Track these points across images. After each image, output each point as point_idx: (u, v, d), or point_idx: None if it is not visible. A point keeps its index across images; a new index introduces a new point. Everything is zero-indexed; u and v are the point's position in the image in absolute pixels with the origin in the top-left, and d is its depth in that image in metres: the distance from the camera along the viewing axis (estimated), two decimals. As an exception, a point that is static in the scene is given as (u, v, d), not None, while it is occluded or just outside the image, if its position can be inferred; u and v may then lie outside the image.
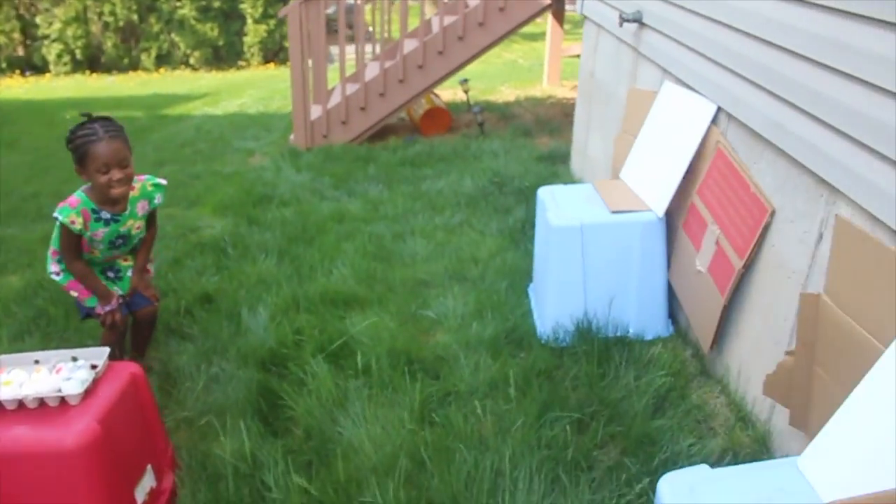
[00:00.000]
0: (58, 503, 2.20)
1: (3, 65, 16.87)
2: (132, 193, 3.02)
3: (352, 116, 7.08)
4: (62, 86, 14.96)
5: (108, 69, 16.73)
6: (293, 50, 6.89)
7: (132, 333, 3.37)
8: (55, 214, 2.90)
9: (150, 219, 3.19)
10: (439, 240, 4.52)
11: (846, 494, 1.34)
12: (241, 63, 16.55)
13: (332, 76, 7.80)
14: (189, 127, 8.99)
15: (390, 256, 4.33)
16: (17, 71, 16.83)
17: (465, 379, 3.08)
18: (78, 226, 2.90)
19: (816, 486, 1.80)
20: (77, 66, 16.68)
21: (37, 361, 2.46)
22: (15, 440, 2.19)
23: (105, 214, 2.97)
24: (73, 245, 2.98)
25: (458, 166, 6.03)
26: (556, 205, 3.53)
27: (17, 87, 14.91)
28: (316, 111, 7.15)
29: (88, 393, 2.31)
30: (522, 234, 4.45)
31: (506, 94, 9.47)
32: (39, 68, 16.89)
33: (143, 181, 3.07)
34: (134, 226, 3.08)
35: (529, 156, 6.20)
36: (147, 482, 2.48)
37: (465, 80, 8.15)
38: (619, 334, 3.36)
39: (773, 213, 2.72)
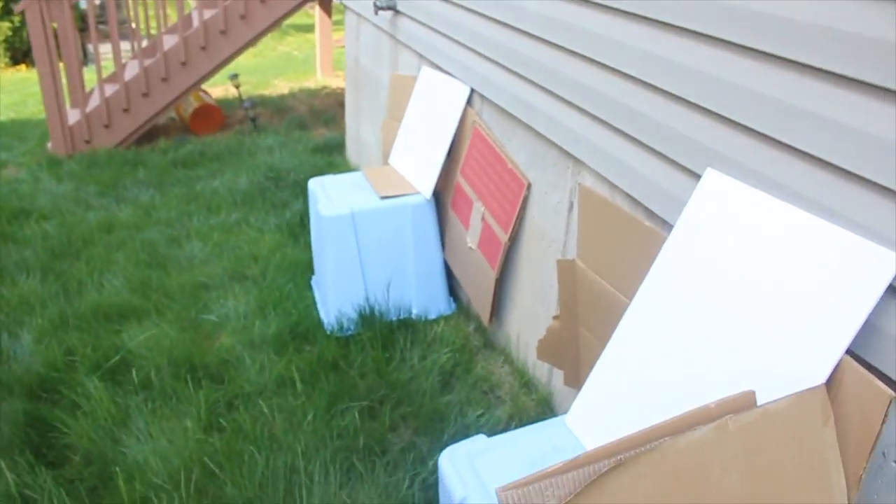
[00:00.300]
0: None
1: None
2: None
3: (115, 119, 6.70)
4: None
5: None
6: (37, 49, 6.38)
7: None
8: None
9: None
10: (217, 240, 4.42)
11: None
12: (-14, 67, 15.13)
13: (91, 77, 7.33)
14: (-75, 141, 8.12)
15: (166, 262, 4.17)
16: None
17: (251, 379, 3.06)
18: None
19: (584, 440, 1.96)
20: None
21: None
22: None
23: None
24: None
25: (232, 164, 5.90)
26: (326, 195, 3.56)
27: None
28: (74, 115, 6.70)
29: None
30: (301, 227, 4.45)
31: (280, 87, 9.35)
32: None
33: None
34: None
35: (305, 148, 6.19)
36: None
37: (236, 75, 7.96)
38: (402, 317, 3.46)
39: (529, 187, 2.90)
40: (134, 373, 3.07)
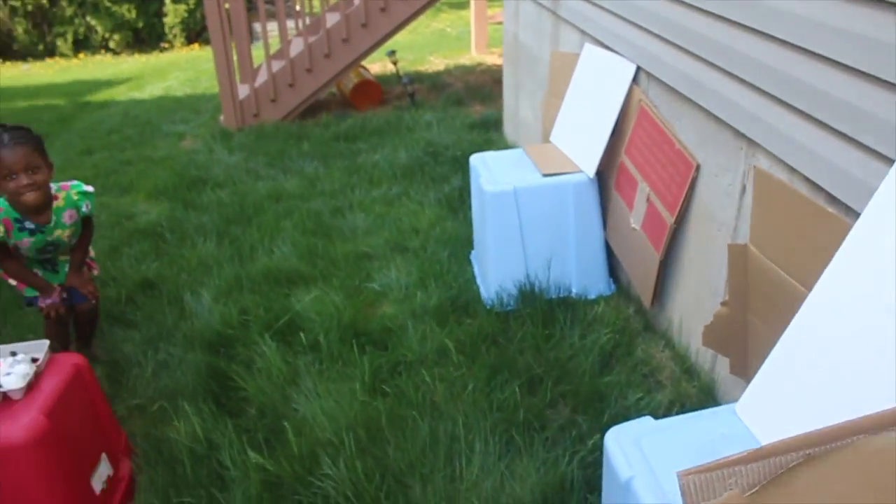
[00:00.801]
0: (12, 497, 2.21)
1: None
2: (56, 203, 2.95)
3: (281, 94, 7.02)
4: (-28, 76, 14.40)
5: (22, 56, 16.12)
6: (213, 29, 6.76)
7: (75, 326, 3.33)
8: None
9: (85, 223, 3.13)
10: (378, 212, 4.55)
11: (781, 436, 1.43)
12: (163, 45, 16.12)
13: (258, 54, 7.69)
14: (115, 113, 8.78)
15: (330, 232, 4.35)
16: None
17: (413, 348, 3.14)
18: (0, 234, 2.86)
19: (755, 431, 1.90)
20: (-13, 55, 16.07)
21: (-24, 359, 2.44)
22: (-40, 439, 2.18)
23: (29, 224, 2.91)
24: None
25: (391, 139, 6.05)
26: (488, 171, 3.59)
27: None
28: (244, 90, 7.05)
29: (31, 387, 2.31)
30: (460, 202, 4.51)
31: (435, 63, 9.47)
32: (-56, 59, 16.24)
33: (67, 190, 3.00)
34: (63, 234, 3.02)
35: (462, 124, 6.25)
36: (103, 471, 2.49)
37: (393, 52, 8.13)
38: (561, 295, 3.46)
39: (698, 168, 2.82)
40: (303, 335, 3.22)
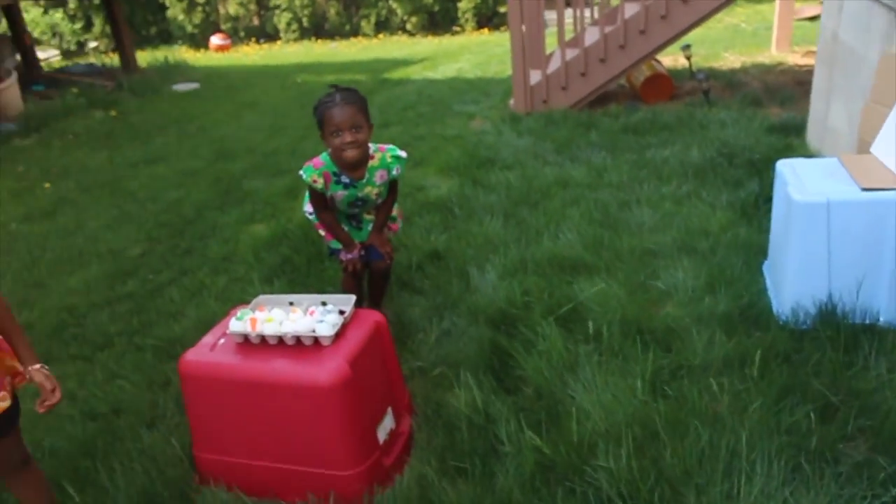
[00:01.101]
0: (311, 433, 2.43)
1: (242, 34, 18.30)
2: (371, 163, 3.17)
3: (572, 82, 7.06)
4: (292, 52, 15.99)
5: (331, 35, 17.66)
6: (512, 15, 6.94)
7: (368, 284, 3.59)
8: (300, 173, 3.15)
9: (392, 185, 3.34)
10: (666, 210, 4.44)
11: None
12: (455, 28, 16.86)
13: (550, 41, 7.78)
14: (410, 91, 9.32)
15: (616, 224, 4.31)
16: (253, 39, 18.19)
17: (698, 353, 3.03)
18: (319, 185, 3.13)
19: None
20: (304, 33, 17.77)
21: (291, 303, 2.70)
22: (276, 372, 2.44)
23: (345, 179, 3.16)
24: (318, 199, 3.23)
25: (682, 136, 5.87)
26: (797, 179, 3.36)
27: (253, 54, 16.12)
28: (535, 76, 7.18)
29: (338, 336, 2.51)
30: (756, 209, 4.27)
31: (730, 60, 9.05)
32: (271, 36, 18.17)
33: (383, 152, 3.21)
34: (372, 192, 3.24)
35: (760, 126, 5.91)
36: (387, 423, 2.66)
37: (688, 46, 7.88)
38: (867, 321, 3.17)
39: None
40: (590, 324, 3.22)
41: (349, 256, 3.30)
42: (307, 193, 3.33)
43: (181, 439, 2.82)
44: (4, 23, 12.77)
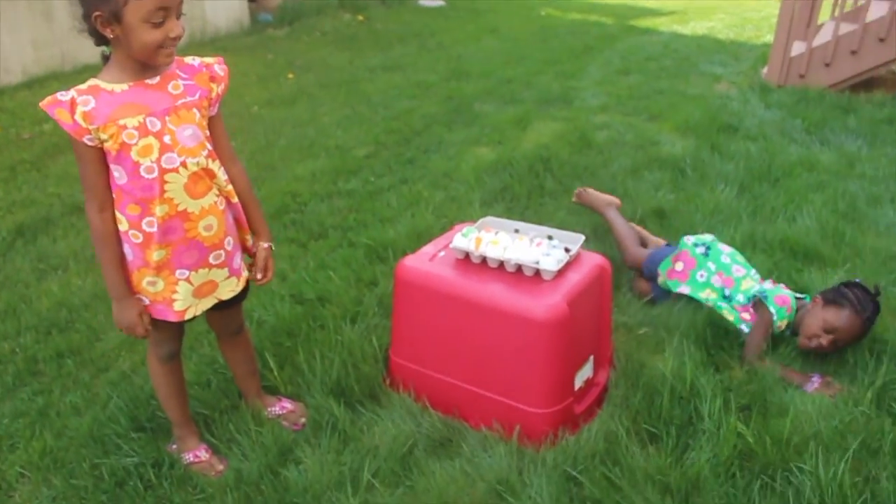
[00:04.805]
0: (513, 364, 2.41)
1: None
2: None
3: (838, 59, 6.45)
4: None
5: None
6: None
7: None
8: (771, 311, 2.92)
9: None
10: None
11: None
12: (711, -16, 15.94)
13: (824, 12, 7.14)
14: (656, 42, 8.94)
15: (862, 220, 3.92)
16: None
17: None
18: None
19: None
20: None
21: (517, 231, 2.66)
22: (492, 296, 2.41)
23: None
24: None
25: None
26: None
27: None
28: (798, 48, 6.63)
29: (560, 273, 2.45)
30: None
31: None
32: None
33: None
34: None
35: None
36: (586, 371, 2.58)
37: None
38: None
39: None
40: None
41: None
42: (713, 287, 3.09)
43: (380, 339, 2.88)
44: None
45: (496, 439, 2.44)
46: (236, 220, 2.22)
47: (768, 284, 3.04)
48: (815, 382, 2.72)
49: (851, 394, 2.63)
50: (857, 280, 2.90)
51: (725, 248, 3.19)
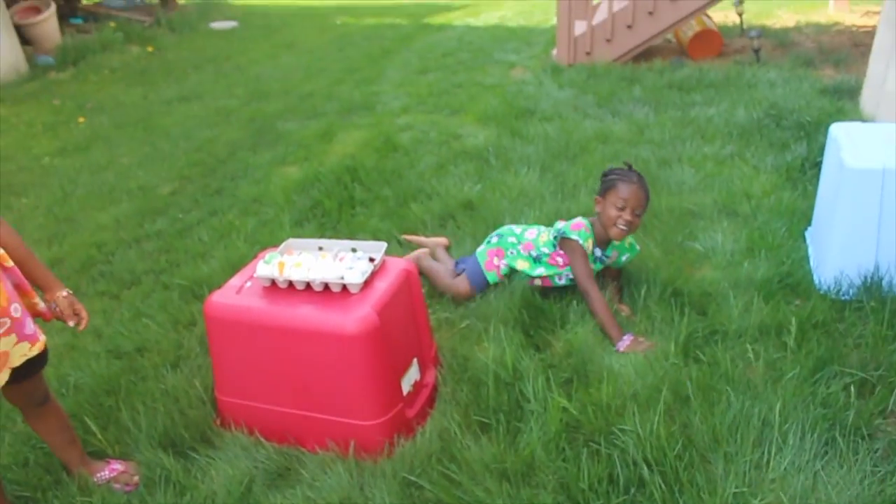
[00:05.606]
0: (334, 381, 2.38)
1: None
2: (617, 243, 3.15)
3: (617, 34, 6.84)
4: (331, -9, 15.74)
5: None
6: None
7: None
8: (574, 237, 3.05)
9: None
10: (708, 170, 4.29)
11: None
12: (499, -25, 16.48)
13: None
14: (451, 37, 9.14)
15: (655, 182, 4.17)
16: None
17: (733, 319, 2.93)
18: (588, 251, 3.07)
19: None
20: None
21: (320, 248, 2.63)
22: (302, 318, 2.37)
23: (597, 251, 3.13)
24: (588, 268, 3.09)
25: (729, 94, 5.67)
26: (852, 144, 3.20)
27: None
28: (580, 27, 6.98)
29: (367, 284, 2.45)
30: (802, 173, 4.12)
31: (784, 18, 8.73)
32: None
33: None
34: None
35: (811, 88, 5.69)
36: (412, 374, 2.60)
37: (740, 2, 7.61)
38: (915, 295, 3.04)
39: None
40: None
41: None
42: (524, 257, 3.22)
43: (204, 381, 2.79)
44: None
45: (334, 459, 2.41)
46: (18, 287, 2.06)
47: (560, 224, 3.19)
48: (625, 341, 2.86)
49: (661, 348, 2.78)
50: (609, 166, 3.18)
51: (515, 228, 3.31)
